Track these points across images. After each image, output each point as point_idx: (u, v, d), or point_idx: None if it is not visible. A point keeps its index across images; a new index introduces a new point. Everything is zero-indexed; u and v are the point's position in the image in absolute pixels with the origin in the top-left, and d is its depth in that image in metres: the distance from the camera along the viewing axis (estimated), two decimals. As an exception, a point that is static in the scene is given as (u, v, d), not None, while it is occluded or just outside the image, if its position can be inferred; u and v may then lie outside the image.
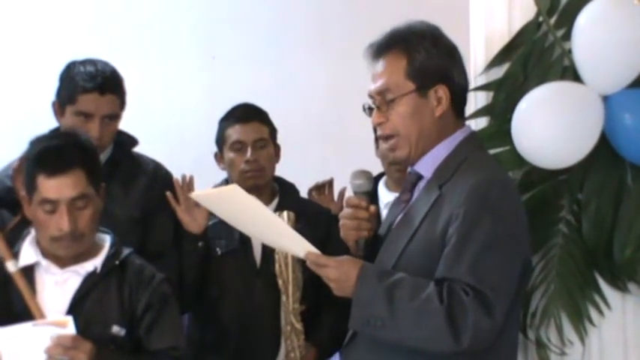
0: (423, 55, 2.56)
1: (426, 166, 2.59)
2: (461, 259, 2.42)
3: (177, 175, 3.40)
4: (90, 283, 2.82)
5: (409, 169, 2.67)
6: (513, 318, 2.57)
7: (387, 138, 2.61)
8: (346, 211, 2.66)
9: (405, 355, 2.49)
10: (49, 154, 2.78)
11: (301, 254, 2.54)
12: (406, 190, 2.66)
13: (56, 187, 2.74)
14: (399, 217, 2.62)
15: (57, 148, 2.80)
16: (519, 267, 2.50)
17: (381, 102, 2.59)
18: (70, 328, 2.69)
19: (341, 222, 2.67)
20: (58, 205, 2.74)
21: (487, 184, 2.49)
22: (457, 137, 2.60)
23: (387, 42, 2.60)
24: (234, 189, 2.51)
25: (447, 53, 2.58)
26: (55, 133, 2.94)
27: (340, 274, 2.49)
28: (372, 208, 2.67)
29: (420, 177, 2.63)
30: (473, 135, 2.65)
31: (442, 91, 2.55)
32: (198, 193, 2.87)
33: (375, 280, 2.46)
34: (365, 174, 2.69)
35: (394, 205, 2.73)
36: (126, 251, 2.89)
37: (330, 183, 4.05)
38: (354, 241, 2.66)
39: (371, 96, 2.62)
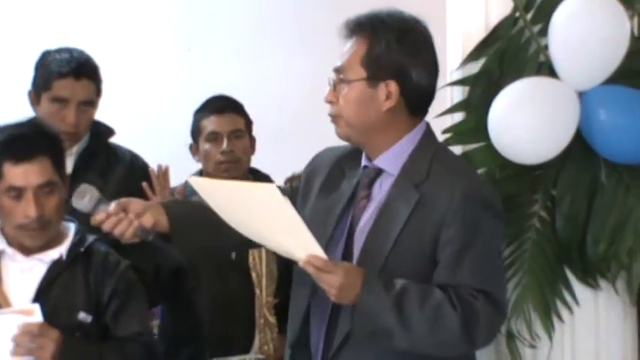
0: (382, 47, 2.53)
1: (390, 162, 2.57)
2: (464, 264, 2.45)
3: (152, 166, 3.39)
4: (55, 270, 2.83)
5: (364, 163, 2.62)
6: None
7: (332, 117, 2.61)
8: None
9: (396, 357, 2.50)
10: (14, 142, 2.79)
11: (301, 256, 2.40)
12: (365, 186, 2.61)
13: (23, 173, 2.75)
14: (365, 216, 2.58)
15: (22, 136, 2.81)
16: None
17: (337, 81, 2.58)
18: (37, 316, 2.70)
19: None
20: (24, 192, 2.75)
21: (478, 186, 2.55)
22: (417, 133, 2.59)
23: (358, 24, 2.57)
24: (271, 188, 2.41)
25: (410, 51, 2.55)
26: (20, 122, 2.94)
27: (346, 282, 2.39)
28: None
29: (378, 172, 2.59)
30: (429, 129, 2.64)
31: (392, 87, 2.53)
32: (198, 181, 2.70)
33: (382, 289, 2.42)
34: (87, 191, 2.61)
35: (343, 198, 2.63)
36: (90, 238, 2.89)
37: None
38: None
39: (333, 71, 2.60)
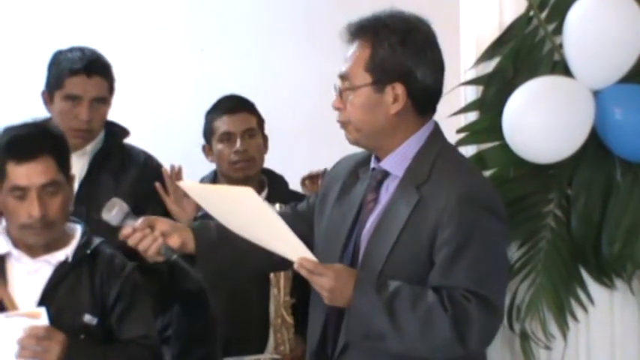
0: (386, 51, 2.49)
1: (396, 164, 2.55)
2: (458, 266, 2.41)
3: (165, 167, 3.40)
4: (61, 272, 2.82)
5: (373, 165, 2.61)
6: None
7: (341, 123, 2.58)
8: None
9: None
10: (18, 142, 2.80)
11: (293, 258, 2.44)
12: (372, 189, 2.58)
13: (26, 173, 2.76)
14: (371, 219, 2.56)
15: (26, 136, 2.82)
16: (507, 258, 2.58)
17: (343, 87, 2.55)
18: (43, 319, 2.71)
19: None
20: (28, 192, 2.75)
21: (476, 186, 2.50)
22: (424, 133, 2.56)
23: (359, 28, 2.54)
24: (248, 191, 2.43)
25: (414, 52, 2.51)
26: (25, 122, 2.94)
27: (337, 284, 2.40)
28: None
29: (385, 174, 2.57)
30: (437, 128, 2.60)
31: (399, 89, 2.50)
32: (190, 185, 2.80)
33: (373, 292, 2.41)
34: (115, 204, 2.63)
35: (355, 202, 2.62)
36: (97, 241, 2.89)
37: (323, 173, 4.04)
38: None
39: (339, 77, 2.57)
